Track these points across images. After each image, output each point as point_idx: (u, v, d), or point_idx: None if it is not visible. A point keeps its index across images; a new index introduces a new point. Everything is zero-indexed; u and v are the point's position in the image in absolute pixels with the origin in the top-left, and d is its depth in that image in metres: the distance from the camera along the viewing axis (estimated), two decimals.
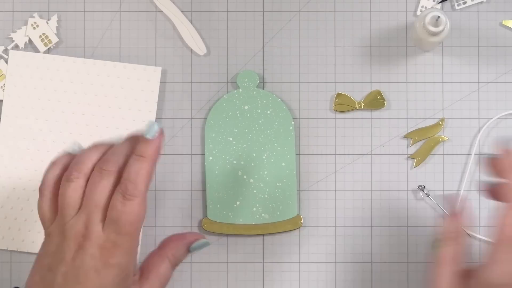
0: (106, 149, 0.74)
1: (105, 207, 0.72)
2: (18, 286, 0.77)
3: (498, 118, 0.89)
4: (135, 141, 0.73)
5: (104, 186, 0.72)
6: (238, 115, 0.88)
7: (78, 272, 0.72)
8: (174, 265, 0.78)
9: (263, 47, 0.90)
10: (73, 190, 0.72)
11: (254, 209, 0.88)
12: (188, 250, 0.78)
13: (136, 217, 0.71)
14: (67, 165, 0.74)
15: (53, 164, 0.75)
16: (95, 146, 0.74)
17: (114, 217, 0.71)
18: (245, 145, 0.88)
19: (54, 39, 0.90)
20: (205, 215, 0.89)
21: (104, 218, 0.72)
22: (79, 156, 0.74)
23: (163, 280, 0.77)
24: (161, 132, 0.72)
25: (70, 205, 0.73)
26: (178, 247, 0.78)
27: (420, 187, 0.88)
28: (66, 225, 0.73)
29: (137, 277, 0.76)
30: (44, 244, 0.75)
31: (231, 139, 0.89)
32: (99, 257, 0.71)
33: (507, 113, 0.89)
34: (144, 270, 0.76)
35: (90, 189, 0.72)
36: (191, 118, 0.89)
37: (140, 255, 0.89)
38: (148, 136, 0.72)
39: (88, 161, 0.73)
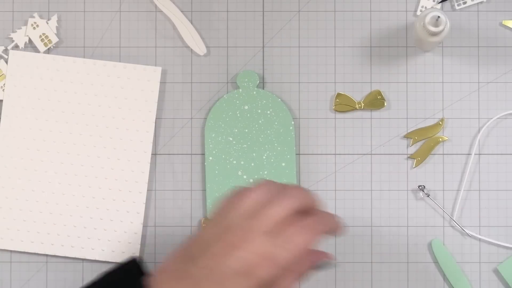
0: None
1: (276, 222, 0.71)
2: (135, 258, 0.76)
3: (498, 118, 0.89)
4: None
5: (282, 204, 0.72)
6: (238, 115, 0.88)
7: (221, 272, 0.71)
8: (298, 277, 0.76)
9: (263, 47, 0.90)
10: (261, 194, 0.72)
11: None
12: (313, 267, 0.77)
13: (305, 248, 0.71)
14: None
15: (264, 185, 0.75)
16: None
17: (288, 234, 0.71)
18: (245, 145, 0.88)
19: (54, 39, 0.90)
20: (205, 215, 0.88)
21: (270, 229, 0.71)
22: (291, 189, 0.74)
23: None
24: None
25: (241, 207, 0.72)
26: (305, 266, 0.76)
27: (420, 187, 0.88)
28: (234, 220, 0.72)
29: None
30: (199, 231, 0.74)
31: (231, 139, 0.89)
32: (248, 263, 0.70)
33: (507, 113, 0.89)
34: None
35: (266, 199, 0.72)
36: (191, 118, 0.89)
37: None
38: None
39: (274, 187, 0.74)
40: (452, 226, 0.89)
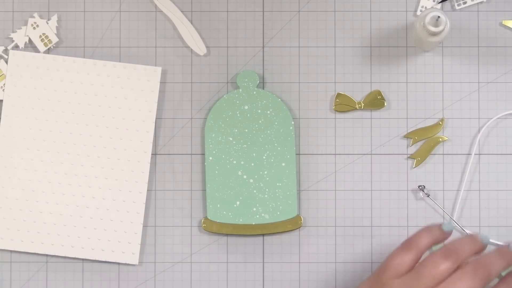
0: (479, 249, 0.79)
1: (438, 282, 0.76)
2: None
3: (498, 118, 0.89)
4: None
5: (474, 286, 0.76)
6: (238, 115, 0.88)
7: None
8: None
9: (263, 47, 0.90)
10: (445, 269, 0.76)
11: (254, 209, 0.88)
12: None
13: None
14: (440, 236, 0.80)
15: (430, 229, 0.80)
16: (470, 240, 0.79)
17: None
18: (245, 145, 0.88)
19: (54, 39, 0.90)
20: (205, 215, 0.88)
21: None
22: (459, 241, 0.79)
23: None
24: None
25: (431, 279, 0.76)
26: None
27: (420, 187, 0.88)
28: (387, 283, 0.77)
29: None
30: None
31: (231, 139, 0.89)
32: None
33: (507, 113, 0.89)
34: None
35: (460, 278, 0.76)
36: (191, 118, 0.89)
37: (140, 255, 0.89)
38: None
39: (466, 251, 0.78)
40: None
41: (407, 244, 0.78)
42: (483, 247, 0.79)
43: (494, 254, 0.79)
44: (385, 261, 0.78)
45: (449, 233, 0.81)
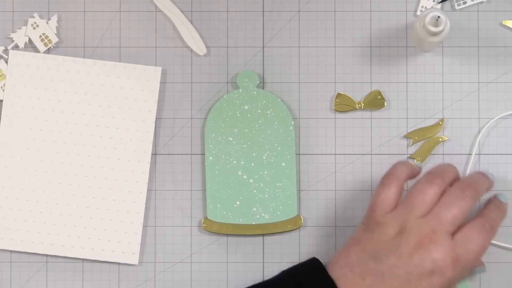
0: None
1: (458, 223, 0.77)
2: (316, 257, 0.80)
3: (498, 118, 0.89)
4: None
5: (463, 204, 0.78)
6: (238, 115, 0.88)
7: (413, 270, 0.75)
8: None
9: (263, 47, 0.90)
10: (434, 194, 0.78)
11: (254, 209, 0.88)
12: None
13: (484, 247, 0.77)
14: (414, 169, 0.83)
15: (403, 162, 0.82)
16: (450, 165, 0.81)
17: (468, 235, 0.77)
18: (245, 145, 0.88)
19: (54, 39, 0.90)
20: (205, 215, 0.88)
21: (454, 230, 0.77)
22: (440, 167, 0.81)
23: None
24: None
25: (422, 205, 0.77)
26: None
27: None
28: (410, 221, 0.77)
29: None
30: (369, 230, 0.79)
31: (231, 139, 0.88)
32: (439, 263, 0.75)
33: (507, 113, 0.89)
34: None
35: (446, 198, 0.78)
36: (191, 118, 0.89)
37: (140, 255, 0.89)
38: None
39: (448, 175, 0.80)
40: None
41: (386, 179, 0.80)
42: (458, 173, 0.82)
43: (477, 174, 0.82)
44: (371, 201, 0.80)
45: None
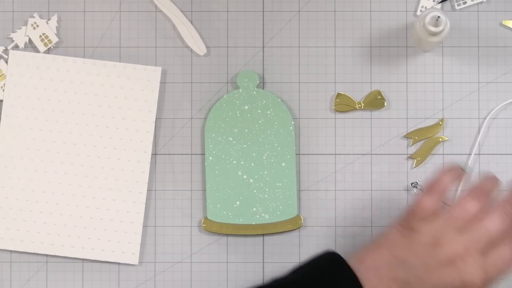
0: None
1: (492, 240, 0.76)
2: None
3: (498, 118, 0.89)
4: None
5: (497, 222, 0.77)
6: (238, 115, 0.88)
7: (439, 286, 0.75)
8: None
9: (263, 47, 0.90)
10: (476, 211, 0.77)
11: (254, 209, 0.88)
12: None
13: (510, 264, 0.76)
14: (459, 174, 0.81)
15: (450, 170, 0.80)
16: (494, 179, 0.80)
17: (502, 257, 0.76)
18: (245, 145, 0.88)
19: (54, 39, 0.90)
20: (205, 215, 0.88)
21: (485, 248, 0.76)
22: (487, 181, 0.80)
23: None
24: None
25: (462, 221, 0.77)
26: None
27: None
28: (447, 235, 0.76)
29: None
30: (404, 236, 0.78)
31: (231, 139, 0.88)
32: (467, 284, 0.75)
33: (507, 102, 0.89)
34: None
35: (491, 220, 0.77)
36: (191, 118, 0.89)
37: (140, 255, 0.89)
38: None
39: (493, 190, 0.79)
40: None
41: (429, 188, 0.79)
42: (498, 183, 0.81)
43: None
44: (412, 205, 0.78)
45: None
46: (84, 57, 0.90)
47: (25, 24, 0.90)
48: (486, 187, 0.79)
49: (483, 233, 0.76)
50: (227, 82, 0.90)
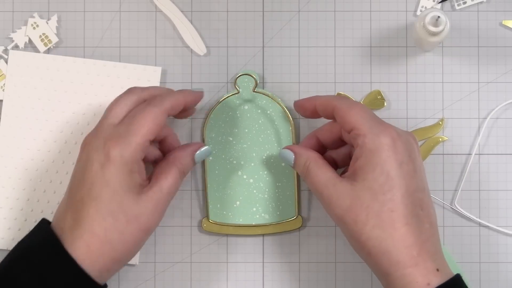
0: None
1: (123, 114, 0.79)
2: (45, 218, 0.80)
3: (498, 118, 0.89)
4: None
5: (126, 98, 0.79)
6: (238, 115, 0.88)
7: (85, 167, 0.76)
8: (182, 173, 0.81)
9: (263, 47, 0.90)
10: (125, 100, 0.80)
11: (254, 209, 0.88)
12: (194, 159, 0.83)
13: (152, 119, 0.77)
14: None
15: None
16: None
17: (132, 115, 0.77)
18: (245, 145, 0.88)
19: (54, 39, 0.90)
20: (205, 215, 0.89)
21: (119, 122, 0.78)
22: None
23: (172, 186, 0.79)
24: (202, 95, 0.84)
25: (112, 111, 0.79)
26: (184, 155, 0.82)
27: None
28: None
29: (147, 182, 0.78)
30: None
31: (231, 139, 0.89)
32: (103, 149, 0.75)
33: (507, 102, 0.89)
34: (153, 176, 0.79)
35: (113, 101, 0.80)
36: (191, 118, 0.89)
37: (140, 255, 0.89)
38: (194, 91, 0.84)
39: (157, 90, 0.82)
40: (451, 226, 0.89)
41: (129, 90, 0.82)
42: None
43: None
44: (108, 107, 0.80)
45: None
46: (84, 57, 0.90)
47: (25, 24, 0.90)
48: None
49: (114, 112, 0.79)
50: (227, 82, 0.90)
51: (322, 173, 0.78)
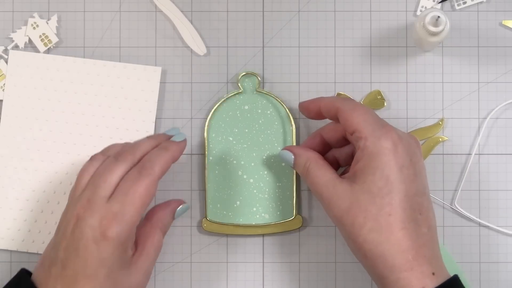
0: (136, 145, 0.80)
1: (114, 185, 0.76)
2: (25, 268, 0.80)
3: (498, 118, 0.89)
4: (157, 139, 0.80)
5: (117, 168, 0.76)
6: (238, 115, 0.88)
7: (78, 244, 0.74)
8: (165, 232, 0.82)
9: (263, 47, 0.90)
10: (92, 169, 0.78)
11: (254, 209, 0.88)
12: (173, 216, 0.83)
13: (146, 192, 0.75)
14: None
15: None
16: (134, 142, 0.81)
17: (124, 189, 0.75)
18: (245, 145, 0.88)
19: (54, 39, 0.90)
20: (205, 215, 0.88)
21: (110, 194, 0.75)
22: (112, 145, 0.81)
23: (158, 249, 0.80)
24: (185, 141, 0.81)
25: (82, 182, 0.77)
26: (166, 215, 0.82)
27: None
28: (73, 200, 0.77)
29: (133, 251, 0.77)
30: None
31: (231, 139, 0.89)
32: (98, 228, 0.74)
33: (507, 102, 0.89)
34: (138, 243, 0.79)
35: (102, 167, 0.77)
36: (191, 118, 0.89)
37: None
38: (177, 139, 0.80)
39: (115, 148, 0.80)
40: (451, 226, 0.89)
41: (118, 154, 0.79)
42: (165, 138, 0.82)
43: (147, 142, 0.81)
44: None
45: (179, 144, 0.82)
46: (84, 57, 0.90)
47: (25, 24, 0.90)
48: (139, 145, 0.80)
49: (99, 181, 0.76)
50: (227, 82, 0.90)
51: (322, 174, 0.78)
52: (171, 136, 0.82)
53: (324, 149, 0.83)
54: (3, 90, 0.89)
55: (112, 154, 0.79)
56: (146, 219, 0.82)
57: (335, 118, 0.80)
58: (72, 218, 0.75)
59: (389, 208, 0.73)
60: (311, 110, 0.82)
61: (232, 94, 0.88)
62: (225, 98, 0.88)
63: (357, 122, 0.76)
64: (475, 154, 0.89)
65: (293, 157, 0.81)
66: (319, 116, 0.82)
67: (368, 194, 0.74)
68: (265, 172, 0.88)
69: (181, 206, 0.84)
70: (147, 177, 0.75)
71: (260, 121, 0.88)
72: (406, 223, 0.73)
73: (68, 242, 0.75)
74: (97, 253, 0.74)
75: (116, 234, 0.74)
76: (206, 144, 0.88)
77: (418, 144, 0.78)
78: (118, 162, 0.77)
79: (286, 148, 0.83)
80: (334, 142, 0.82)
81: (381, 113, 0.89)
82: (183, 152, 0.83)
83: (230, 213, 0.88)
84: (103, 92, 0.89)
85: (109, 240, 0.73)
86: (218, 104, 0.88)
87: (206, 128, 0.88)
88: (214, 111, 0.88)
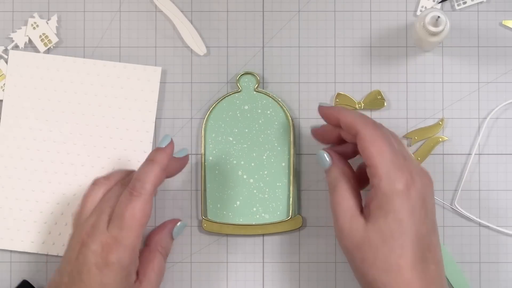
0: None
1: (113, 207, 0.77)
2: (26, 279, 0.80)
3: (498, 118, 0.89)
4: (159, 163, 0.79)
5: (119, 191, 0.77)
6: (238, 115, 0.88)
7: (82, 269, 0.75)
8: (165, 255, 0.83)
9: (263, 47, 0.90)
10: (96, 194, 0.79)
11: (254, 209, 0.88)
12: (172, 237, 0.84)
13: (141, 213, 0.75)
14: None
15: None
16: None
17: (119, 213, 0.76)
18: (245, 145, 0.88)
19: (54, 39, 0.90)
20: (205, 215, 0.88)
21: (109, 218, 0.76)
22: (116, 171, 0.82)
23: (160, 273, 0.81)
24: (172, 143, 0.79)
25: (87, 207, 0.78)
26: (164, 238, 0.83)
27: None
28: (78, 226, 0.78)
29: (135, 277, 0.77)
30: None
31: (231, 139, 0.89)
32: (100, 254, 0.74)
33: (507, 102, 0.89)
34: (139, 269, 0.79)
35: (107, 194, 0.78)
36: (191, 118, 0.89)
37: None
38: (161, 145, 0.79)
39: (119, 174, 0.81)
40: (451, 226, 0.89)
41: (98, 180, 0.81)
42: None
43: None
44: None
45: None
46: (84, 57, 0.90)
47: (25, 24, 0.90)
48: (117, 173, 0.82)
49: (103, 207, 0.78)
50: (227, 82, 0.90)
51: (346, 198, 0.77)
52: (171, 150, 0.81)
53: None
54: (3, 90, 0.89)
55: (116, 180, 0.80)
56: (146, 244, 0.83)
57: (354, 139, 0.78)
58: (77, 244, 0.76)
59: (400, 250, 0.74)
60: (331, 119, 0.80)
61: (234, 92, 0.88)
62: (226, 96, 0.88)
63: (374, 157, 0.75)
64: (475, 154, 0.89)
65: (330, 163, 0.80)
66: (337, 127, 0.80)
67: (380, 234, 0.74)
68: (265, 172, 0.88)
69: (177, 225, 0.85)
70: (139, 198, 0.76)
71: (260, 121, 0.88)
72: (415, 263, 0.74)
73: (73, 267, 0.76)
74: (100, 278, 0.74)
75: (117, 259, 0.75)
76: (203, 143, 0.88)
77: (431, 183, 0.77)
78: (121, 188, 0.79)
79: (327, 150, 0.81)
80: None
81: (381, 113, 0.89)
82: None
83: (230, 213, 0.88)
84: (103, 92, 0.89)
85: (111, 266, 0.74)
86: (218, 104, 0.88)
87: (203, 127, 0.88)
88: (214, 111, 0.88)
